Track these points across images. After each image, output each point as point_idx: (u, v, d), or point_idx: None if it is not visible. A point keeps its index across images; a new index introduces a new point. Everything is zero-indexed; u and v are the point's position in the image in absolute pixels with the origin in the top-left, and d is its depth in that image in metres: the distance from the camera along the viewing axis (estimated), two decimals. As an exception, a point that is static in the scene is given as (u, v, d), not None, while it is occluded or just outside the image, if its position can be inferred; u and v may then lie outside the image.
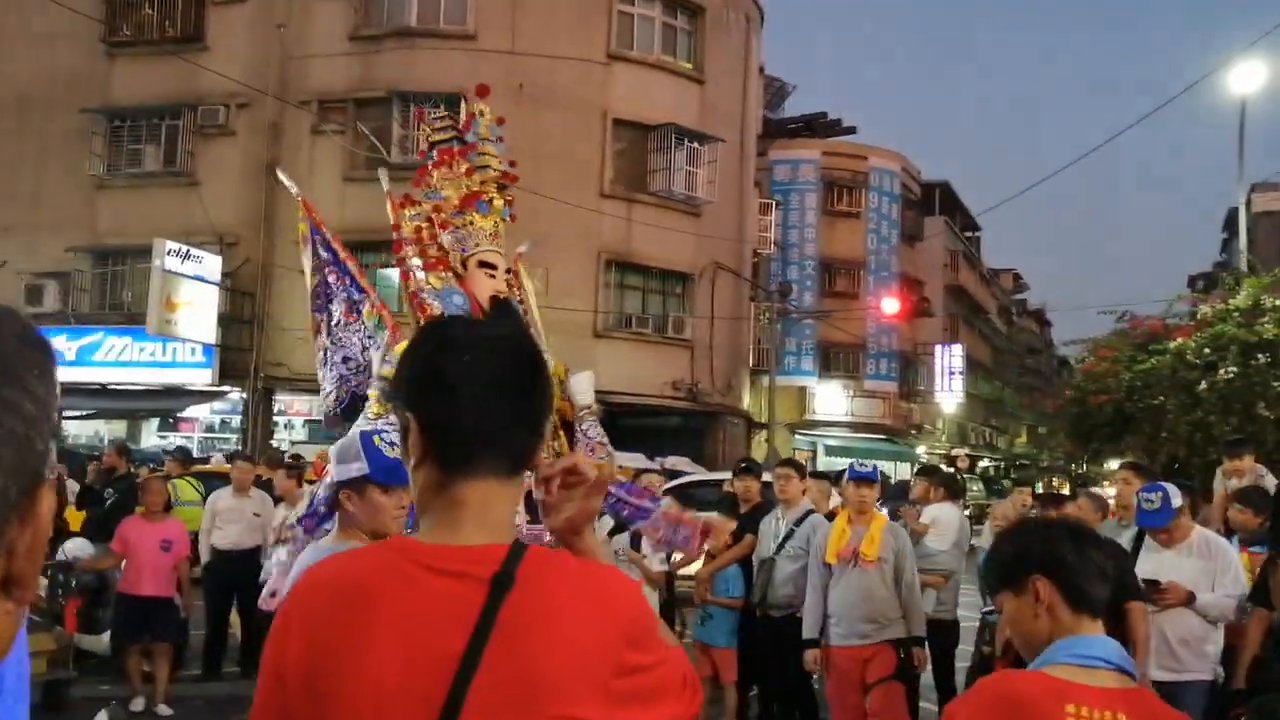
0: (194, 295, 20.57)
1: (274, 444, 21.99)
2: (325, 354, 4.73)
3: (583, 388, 4.78)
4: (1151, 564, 5.31)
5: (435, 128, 4.83)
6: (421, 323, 4.40)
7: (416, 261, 4.56)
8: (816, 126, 39.62)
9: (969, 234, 51.35)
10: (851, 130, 40.42)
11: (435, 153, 4.70)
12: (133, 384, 22.17)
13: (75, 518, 10.52)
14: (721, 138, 24.79)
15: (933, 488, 8.15)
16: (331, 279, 4.79)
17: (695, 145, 24.19)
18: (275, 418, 23.31)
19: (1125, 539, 5.69)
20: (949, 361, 40.70)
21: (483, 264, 4.54)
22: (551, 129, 21.77)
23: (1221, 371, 16.67)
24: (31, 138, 23.08)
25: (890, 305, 28.55)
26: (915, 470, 11.10)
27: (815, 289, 35.71)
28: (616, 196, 23.33)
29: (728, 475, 15.02)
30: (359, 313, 4.68)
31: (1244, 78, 19.25)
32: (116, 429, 23.64)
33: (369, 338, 4.59)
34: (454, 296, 4.45)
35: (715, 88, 25.42)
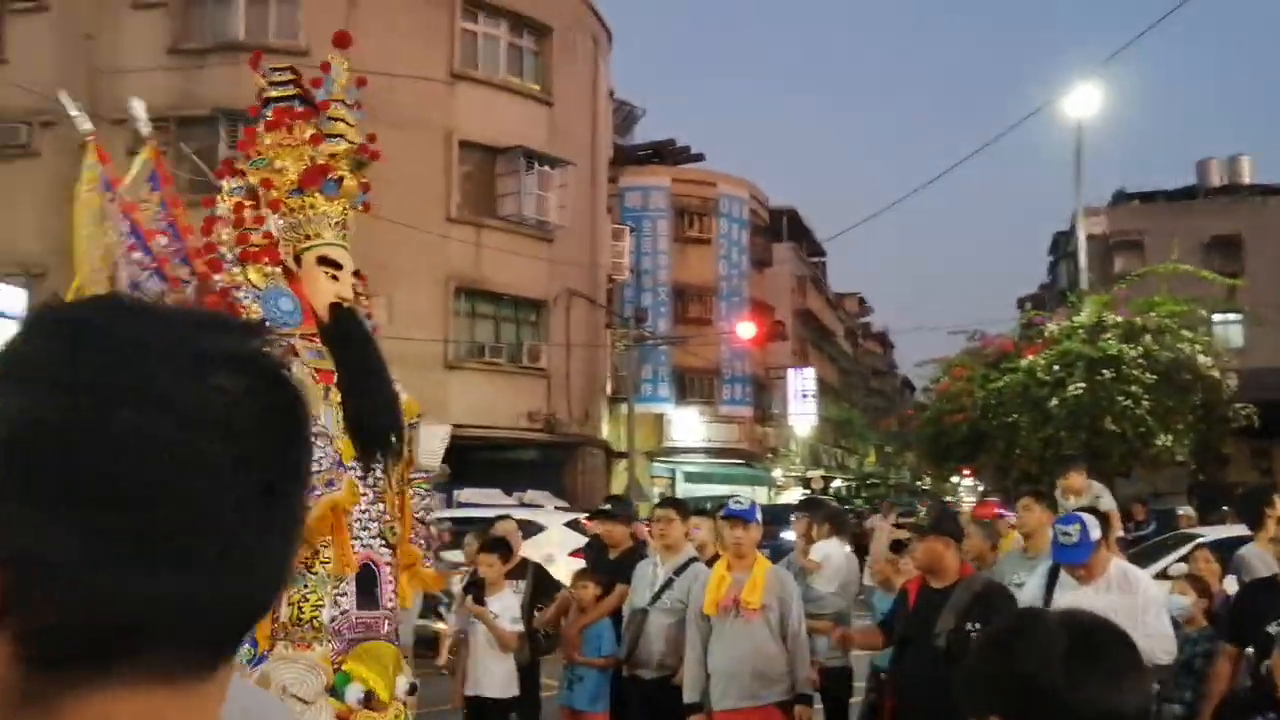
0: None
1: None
2: None
3: (431, 445, 3.77)
4: (1068, 603, 4.81)
5: (272, 80, 3.78)
6: None
7: (228, 249, 3.53)
8: (665, 153, 39.60)
9: (815, 259, 52.20)
10: (700, 157, 40.59)
11: (270, 111, 3.67)
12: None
13: None
14: (572, 161, 24.20)
15: (815, 524, 7.54)
16: (136, 256, 3.70)
17: (545, 169, 23.52)
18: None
19: (1038, 575, 5.19)
20: (801, 385, 41.06)
21: (324, 260, 3.53)
22: (393, 151, 20.33)
23: (1070, 388, 16.93)
24: None
25: (746, 330, 28.38)
26: (796, 506, 10.56)
27: (669, 315, 35.49)
28: (464, 221, 22.43)
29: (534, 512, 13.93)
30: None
31: (1080, 103, 19.65)
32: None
33: None
34: (281, 300, 3.46)
35: (564, 110, 24.82)
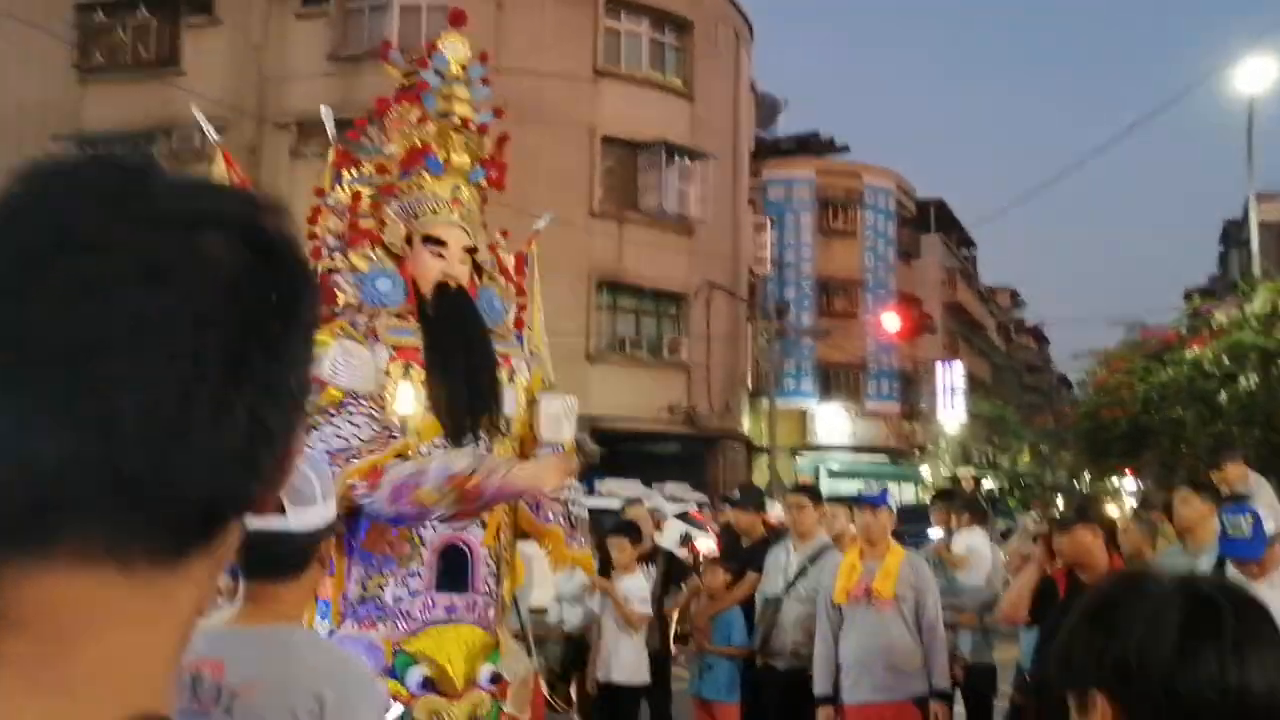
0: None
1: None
2: None
3: (553, 413, 3.54)
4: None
5: (405, 70, 3.74)
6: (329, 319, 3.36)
7: (332, 235, 3.51)
8: (809, 146, 39.12)
9: (965, 251, 50.81)
10: (844, 149, 39.96)
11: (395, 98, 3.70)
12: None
13: None
14: (713, 154, 24.13)
15: (955, 514, 7.27)
16: None
17: (686, 162, 23.51)
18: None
19: (1201, 570, 4.85)
20: (950, 380, 40.07)
21: (429, 239, 3.47)
22: (538, 147, 21.06)
23: (1242, 381, 16.00)
24: (1, 169, 22.36)
25: (891, 321, 27.84)
26: (933, 497, 10.21)
27: (813, 309, 35.04)
28: (607, 215, 22.61)
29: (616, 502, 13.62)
30: None
31: (1251, 76, 18.45)
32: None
33: None
34: (379, 280, 3.42)
35: (705, 104, 24.77)
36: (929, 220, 43.33)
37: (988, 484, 45.37)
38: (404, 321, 3.43)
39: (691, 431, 23.77)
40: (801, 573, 6.08)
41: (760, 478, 26.75)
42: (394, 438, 3.20)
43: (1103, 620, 1.25)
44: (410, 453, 3.21)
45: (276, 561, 2.04)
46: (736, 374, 26.28)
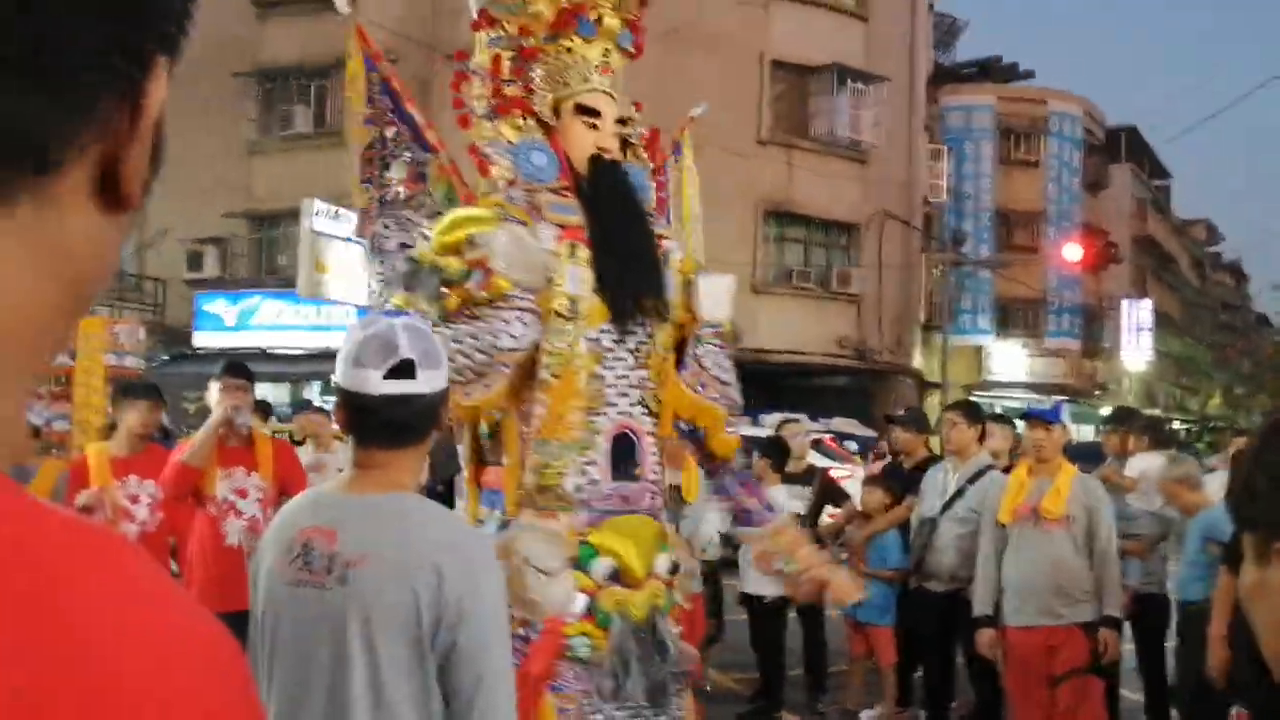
0: (345, 256, 20.35)
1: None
2: (376, 240, 3.42)
3: (713, 293, 3.43)
4: None
5: None
6: (477, 189, 3.26)
7: (479, 103, 3.29)
8: (991, 71, 37.36)
9: (1158, 182, 47.93)
10: (1029, 74, 38.03)
11: None
12: (292, 348, 22.32)
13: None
14: (888, 77, 23.27)
15: (1134, 436, 6.80)
16: (390, 134, 3.51)
17: (859, 86, 22.75)
18: (440, 375, 23.27)
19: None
20: (1137, 317, 38.07)
21: (581, 109, 3.27)
22: (705, 74, 20.76)
23: None
24: (185, 103, 23.40)
25: (1073, 251, 26.45)
26: (1106, 418, 9.55)
27: (991, 242, 33.69)
28: (775, 143, 22.14)
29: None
30: (424, 179, 3.42)
31: None
32: (279, 394, 23.89)
33: (435, 214, 3.35)
34: (533, 154, 3.25)
35: (880, 25, 23.85)
36: (1119, 149, 40.98)
37: (1174, 426, 43.15)
38: (564, 198, 3.27)
39: (861, 365, 23.28)
40: (960, 493, 5.83)
41: (933, 416, 26.04)
42: (505, 367, 3.09)
43: None
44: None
45: (404, 426, 1.98)
46: (909, 307, 25.55)
